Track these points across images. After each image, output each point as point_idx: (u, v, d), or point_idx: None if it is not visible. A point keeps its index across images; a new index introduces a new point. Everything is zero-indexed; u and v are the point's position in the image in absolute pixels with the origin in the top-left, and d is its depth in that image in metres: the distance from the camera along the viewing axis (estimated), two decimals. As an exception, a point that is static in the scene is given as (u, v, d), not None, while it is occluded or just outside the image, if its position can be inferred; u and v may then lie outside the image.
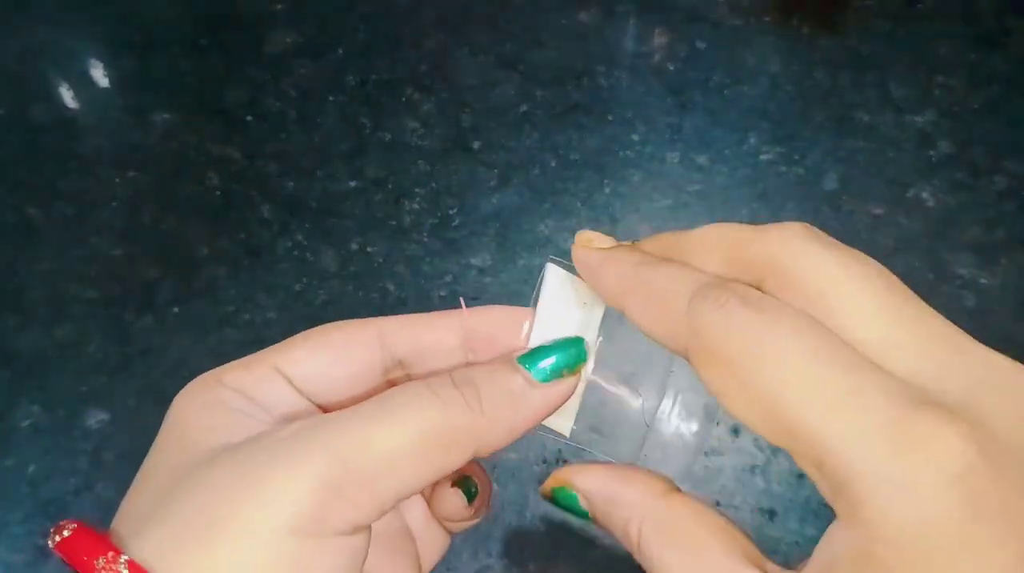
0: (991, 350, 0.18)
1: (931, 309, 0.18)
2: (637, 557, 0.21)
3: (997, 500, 0.16)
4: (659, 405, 0.24)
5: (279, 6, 0.53)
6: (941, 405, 0.16)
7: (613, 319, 0.24)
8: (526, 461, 0.38)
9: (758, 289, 0.19)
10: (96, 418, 0.39)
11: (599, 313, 0.24)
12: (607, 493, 0.22)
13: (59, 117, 0.49)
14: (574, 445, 0.38)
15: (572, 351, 0.23)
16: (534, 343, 0.23)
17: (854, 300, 0.18)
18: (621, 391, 0.25)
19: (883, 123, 0.48)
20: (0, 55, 0.51)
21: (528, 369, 0.22)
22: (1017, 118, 0.48)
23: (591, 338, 0.23)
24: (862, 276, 0.19)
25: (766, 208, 0.45)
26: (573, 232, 0.48)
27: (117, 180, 0.46)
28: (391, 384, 0.24)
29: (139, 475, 0.20)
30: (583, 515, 0.23)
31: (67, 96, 0.50)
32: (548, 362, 0.22)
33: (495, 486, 0.37)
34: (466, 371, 0.21)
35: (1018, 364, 0.17)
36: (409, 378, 0.24)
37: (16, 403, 0.39)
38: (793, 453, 0.17)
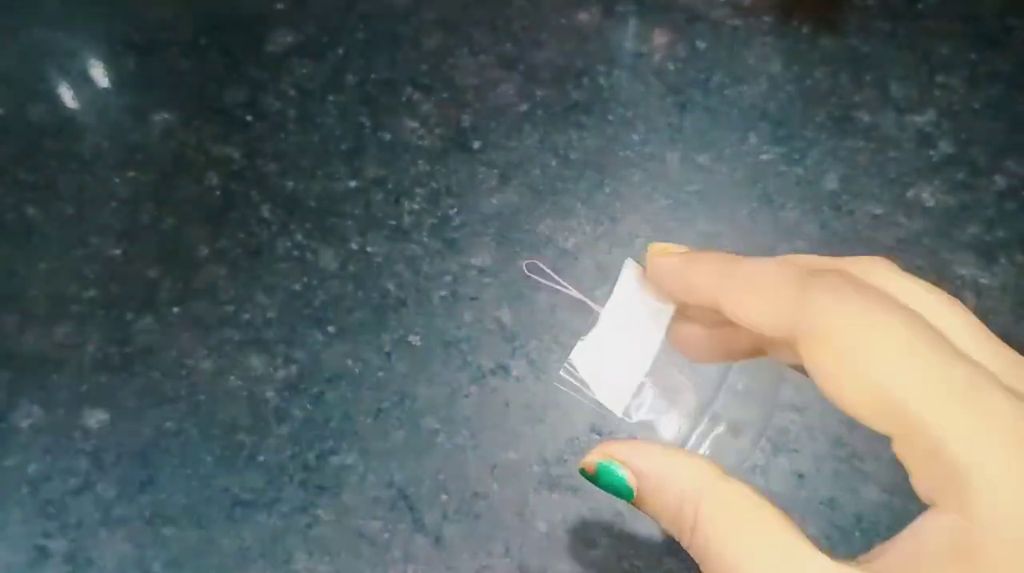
0: None
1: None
2: (687, 541, 0.20)
3: None
4: (700, 423, 0.24)
5: (279, 6, 0.53)
6: None
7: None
8: (526, 461, 0.38)
9: None
10: (96, 418, 0.39)
11: (668, 315, 0.24)
12: (661, 472, 0.21)
13: (58, 117, 0.49)
14: (579, 446, 0.38)
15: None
16: (597, 334, 0.24)
17: (945, 321, 0.19)
18: (676, 383, 0.24)
19: (883, 123, 0.48)
20: None
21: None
22: (1018, 118, 0.48)
23: (657, 338, 0.24)
24: (949, 303, 0.20)
25: (766, 208, 0.45)
26: (573, 232, 0.48)
27: (117, 180, 0.46)
28: None
29: None
30: (627, 494, 0.22)
31: (66, 96, 0.50)
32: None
33: (495, 486, 0.37)
34: None
35: None
36: None
37: (16, 403, 0.39)
38: (899, 440, 0.17)
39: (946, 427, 0.17)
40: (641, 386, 0.24)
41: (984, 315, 0.41)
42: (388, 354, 0.41)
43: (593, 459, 0.23)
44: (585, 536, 0.36)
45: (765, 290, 0.20)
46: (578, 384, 0.24)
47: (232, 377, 0.40)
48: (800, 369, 0.20)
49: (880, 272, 0.21)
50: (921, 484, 0.18)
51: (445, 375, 0.40)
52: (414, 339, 0.41)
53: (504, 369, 0.40)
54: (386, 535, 0.36)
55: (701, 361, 0.24)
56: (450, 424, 0.39)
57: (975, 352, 0.18)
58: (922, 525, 0.17)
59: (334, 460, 0.38)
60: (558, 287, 0.26)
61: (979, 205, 0.45)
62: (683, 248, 0.23)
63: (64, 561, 0.36)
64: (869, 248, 0.44)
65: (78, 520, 0.37)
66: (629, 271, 0.24)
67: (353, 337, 0.41)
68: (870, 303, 0.18)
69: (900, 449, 0.18)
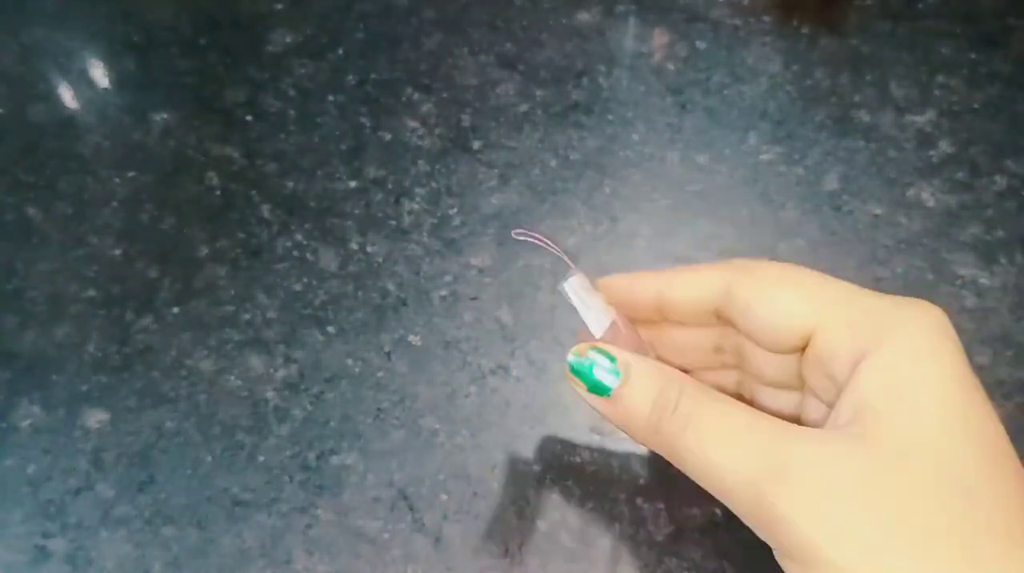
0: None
1: None
2: (667, 424, 0.23)
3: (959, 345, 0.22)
4: None
5: (278, 6, 0.53)
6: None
7: None
8: (526, 461, 0.38)
9: None
10: (96, 418, 0.39)
11: (610, 318, 0.27)
12: (647, 362, 0.24)
13: (58, 117, 0.49)
14: (576, 445, 0.38)
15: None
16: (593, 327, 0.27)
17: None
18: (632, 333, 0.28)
19: (883, 123, 0.48)
20: None
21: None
22: (1018, 118, 0.48)
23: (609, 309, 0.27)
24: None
25: (766, 208, 0.45)
26: (573, 231, 0.48)
27: (116, 180, 0.46)
28: None
29: None
30: (612, 381, 0.24)
31: (66, 96, 0.50)
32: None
33: (495, 485, 0.37)
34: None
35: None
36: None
37: (16, 403, 0.39)
38: (822, 337, 0.23)
39: (861, 303, 0.22)
40: (611, 323, 0.27)
41: (984, 315, 0.41)
42: (388, 354, 0.41)
43: (584, 346, 0.25)
44: (585, 536, 0.36)
45: (702, 271, 0.26)
46: (570, 302, 0.27)
47: (232, 377, 0.40)
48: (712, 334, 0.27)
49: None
50: (848, 354, 0.22)
51: (445, 375, 0.40)
52: (414, 339, 0.41)
53: (504, 369, 0.40)
54: (386, 535, 0.36)
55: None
56: (450, 424, 0.39)
57: None
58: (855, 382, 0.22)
59: (334, 460, 0.38)
60: (544, 245, 0.29)
61: (979, 205, 0.45)
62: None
63: (64, 561, 0.36)
64: (869, 248, 0.44)
65: (78, 520, 0.37)
66: (573, 282, 0.27)
67: (353, 337, 0.41)
68: (785, 265, 0.24)
69: (826, 343, 0.23)
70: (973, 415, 0.20)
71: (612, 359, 0.24)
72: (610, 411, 0.24)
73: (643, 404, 0.23)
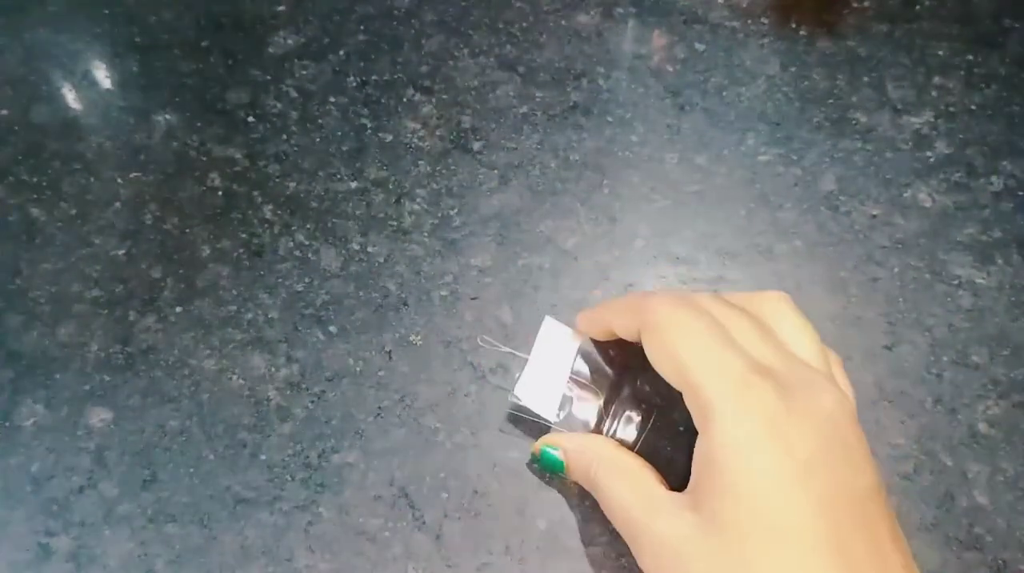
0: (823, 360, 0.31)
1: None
2: (593, 489, 0.33)
3: (787, 432, 0.27)
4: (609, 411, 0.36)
5: (280, 8, 0.53)
6: (771, 377, 0.28)
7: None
8: (526, 460, 0.38)
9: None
10: (99, 417, 0.39)
11: (577, 345, 0.38)
12: (578, 448, 0.34)
13: (61, 118, 0.49)
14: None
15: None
16: (528, 373, 0.37)
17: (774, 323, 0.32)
18: (587, 392, 0.37)
19: (880, 124, 0.48)
20: (2, 57, 0.51)
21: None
22: (1015, 119, 0.49)
23: (570, 363, 0.37)
24: (790, 319, 0.33)
25: (764, 208, 0.46)
26: (573, 232, 0.49)
27: (119, 181, 0.46)
28: None
29: None
30: (560, 467, 0.35)
31: (69, 97, 0.50)
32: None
33: (495, 484, 0.38)
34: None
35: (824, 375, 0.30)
36: None
37: (19, 402, 0.40)
38: (685, 393, 0.29)
39: (703, 380, 0.28)
40: (563, 398, 0.36)
41: (981, 315, 0.42)
42: (389, 353, 0.41)
43: (538, 445, 0.36)
44: (584, 534, 0.36)
45: (624, 311, 0.33)
46: (522, 405, 0.36)
47: (234, 376, 0.40)
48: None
49: (770, 301, 0.32)
50: (696, 421, 0.29)
51: (446, 374, 0.40)
52: (415, 338, 0.41)
53: (504, 369, 0.40)
54: (387, 533, 0.37)
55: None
56: (451, 423, 0.39)
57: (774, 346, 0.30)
58: (698, 445, 0.29)
59: (335, 458, 0.38)
60: (506, 351, 0.40)
61: (976, 205, 0.46)
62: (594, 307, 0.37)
63: (67, 559, 0.36)
64: (866, 248, 0.44)
65: (81, 518, 0.37)
66: (547, 324, 0.38)
67: (354, 336, 0.41)
68: (679, 309, 0.30)
69: (687, 399, 0.29)
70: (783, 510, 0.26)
71: (554, 455, 0.35)
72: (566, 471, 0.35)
73: (578, 477, 0.35)
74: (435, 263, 0.44)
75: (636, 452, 0.33)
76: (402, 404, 0.40)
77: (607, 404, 0.36)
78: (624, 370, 0.37)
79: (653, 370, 0.31)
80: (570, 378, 0.37)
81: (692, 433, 0.29)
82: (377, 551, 0.36)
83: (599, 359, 0.38)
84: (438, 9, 0.53)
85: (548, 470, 0.36)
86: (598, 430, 0.36)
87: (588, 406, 0.36)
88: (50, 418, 0.39)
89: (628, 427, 0.34)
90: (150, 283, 0.43)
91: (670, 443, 0.33)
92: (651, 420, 0.34)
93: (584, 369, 0.38)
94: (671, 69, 0.51)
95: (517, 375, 0.37)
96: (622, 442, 0.34)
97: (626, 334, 0.33)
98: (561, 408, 0.36)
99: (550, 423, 0.36)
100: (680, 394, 0.30)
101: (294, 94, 0.50)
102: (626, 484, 0.31)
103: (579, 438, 0.35)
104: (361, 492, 0.38)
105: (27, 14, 0.53)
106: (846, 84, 0.50)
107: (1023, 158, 0.47)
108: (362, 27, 0.52)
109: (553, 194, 0.46)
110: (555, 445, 0.35)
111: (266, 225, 0.45)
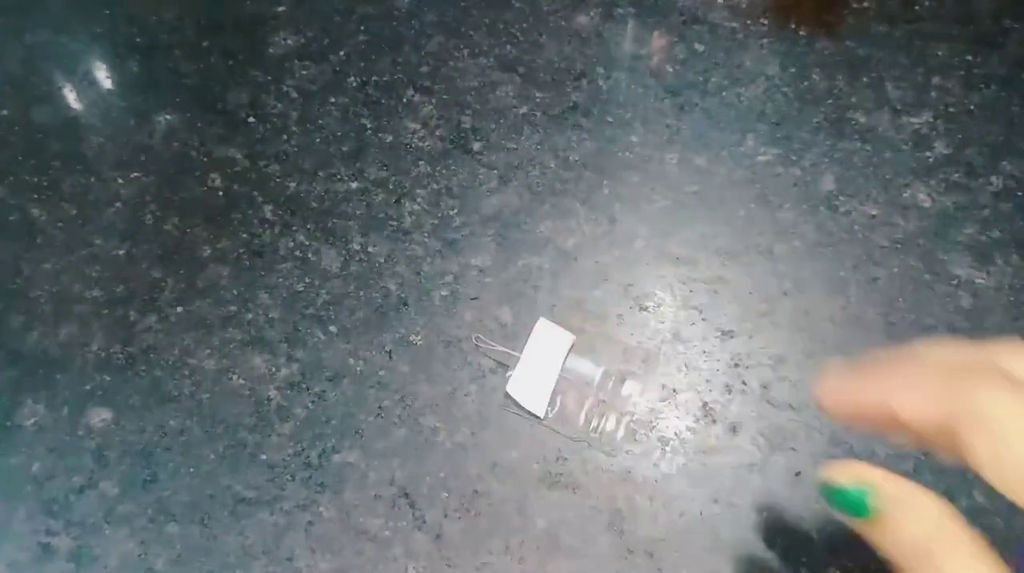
0: None
1: None
2: (921, 566, 0.23)
3: None
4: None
5: (280, 8, 0.53)
6: None
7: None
8: (526, 459, 0.38)
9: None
10: (100, 417, 0.39)
11: (569, 342, 0.39)
12: (911, 499, 0.24)
13: (62, 118, 0.49)
14: (571, 441, 0.39)
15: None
16: (520, 370, 0.38)
17: None
18: (576, 390, 0.38)
19: (880, 124, 0.49)
20: (3, 57, 0.51)
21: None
22: (1014, 119, 0.49)
23: (560, 360, 0.38)
24: None
25: (763, 208, 0.46)
26: (572, 232, 0.48)
27: (120, 181, 0.47)
28: None
29: None
30: (865, 513, 0.24)
31: (70, 97, 0.50)
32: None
33: (495, 484, 0.38)
34: None
35: None
36: None
37: (20, 402, 0.40)
38: None
39: None
40: (552, 396, 0.37)
41: (980, 315, 0.42)
42: (389, 353, 0.41)
43: (840, 476, 0.25)
44: (584, 534, 0.37)
45: (928, 390, 0.23)
46: (515, 402, 0.38)
47: (235, 376, 0.40)
48: (951, 456, 0.23)
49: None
50: None
51: (446, 374, 0.40)
52: (415, 338, 0.42)
53: (504, 368, 0.40)
54: (387, 532, 0.37)
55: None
56: (450, 423, 0.39)
57: None
58: None
59: (336, 458, 0.38)
60: (500, 350, 0.40)
61: (975, 206, 0.46)
62: (845, 367, 0.26)
63: (68, 558, 0.36)
64: (865, 248, 0.44)
65: (82, 518, 0.37)
66: (541, 324, 0.40)
67: (355, 336, 0.42)
68: (1020, 396, 0.21)
69: None
70: None
71: (865, 496, 0.24)
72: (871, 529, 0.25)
73: (895, 541, 0.24)
74: (435, 263, 0.44)
75: None
76: (402, 404, 0.40)
77: (596, 403, 0.38)
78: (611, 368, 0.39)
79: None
80: (560, 376, 0.39)
81: None
82: (377, 550, 0.36)
83: (588, 359, 0.40)
84: (438, 10, 0.53)
85: (846, 509, 0.25)
86: (586, 426, 0.38)
87: (577, 404, 0.38)
88: (51, 418, 0.39)
89: (615, 425, 0.37)
90: (150, 283, 0.43)
91: None
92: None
93: (575, 368, 0.39)
94: (671, 69, 0.51)
95: (509, 373, 0.39)
96: (609, 439, 0.36)
97: (920, 418, 0.23)
98: (551, 405, 0.38)
99: (539, 419, 0.38)
100: None
101: (294, 94, 0.50)
102: None
103: (906, 487, 0.24)
104: (361, 492, 0.38)
105: (28, 14, 0.53)
106: (845, 84, 0.50)
107: (1022, 158, 0.47)
108: (362, 28, 0.52)
109: (553, 194, 0.46)
110: (868, 486, 0.24)
111: (266, 225, 0.45)
